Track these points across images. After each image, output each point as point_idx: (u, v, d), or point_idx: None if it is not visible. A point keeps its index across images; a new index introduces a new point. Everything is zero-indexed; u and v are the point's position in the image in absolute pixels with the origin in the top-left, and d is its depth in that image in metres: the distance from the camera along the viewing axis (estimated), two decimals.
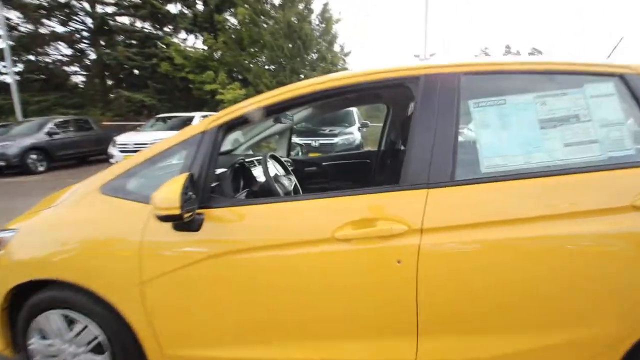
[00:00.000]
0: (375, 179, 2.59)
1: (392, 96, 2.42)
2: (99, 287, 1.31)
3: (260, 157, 2.04)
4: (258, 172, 1.96)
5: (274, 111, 1.36)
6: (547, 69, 1.23)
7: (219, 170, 1.63)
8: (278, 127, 2.68)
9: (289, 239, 1.19)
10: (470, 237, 1.09)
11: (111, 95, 15.99)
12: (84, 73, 16.81)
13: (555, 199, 1.10)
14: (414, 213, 1.12)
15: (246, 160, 1.98)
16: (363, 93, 1.49)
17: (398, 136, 2.56)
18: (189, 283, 1.25)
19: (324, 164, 2.77)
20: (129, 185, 1.37)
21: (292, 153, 3.20)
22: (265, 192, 1.60)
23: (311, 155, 6.28)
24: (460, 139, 1.18)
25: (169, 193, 1.08)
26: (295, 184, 1.96)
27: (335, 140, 6.88)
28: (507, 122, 1.19)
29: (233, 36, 13.11)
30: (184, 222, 1.14)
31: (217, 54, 13.36)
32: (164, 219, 1.10)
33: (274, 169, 2.03)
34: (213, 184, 1.50)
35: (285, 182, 1.72)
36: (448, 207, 1.12)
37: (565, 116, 1.18)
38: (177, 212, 1.07)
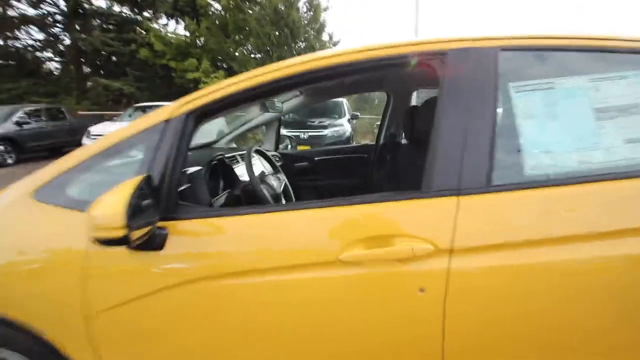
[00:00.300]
0: (373, 176, 2.33)
1: (395, 82, 2.15)
2: (34, 320, 1.02)
3: (244, 152, 1.74)
4: (242, 170, 1.67)
5: (262, 94, 1.08)
6: (606, 45, 0.98)
7: (191, 169, 1.33)
8: (266, 116, 2.39)
9: (281, 262, 0.91)
10: (516, 260, 0.84)
11: (88, 83, 15.15)
12: (59, 59, 15.86)
13: (623, 210, 0.86)
14: (441, 228, 0.87)
15: (226, 155, 1.68)
16: (366, 75, 1.20)
17: (399, 128, 2.30)
18: (148, 318, 0.97)
19: (316, 159, 2.50)
20: (70, 190, 1.06)
21: (281, 146, 2.91)
22: (249, 196, 1.32)
23: (300, 148, 5.98)
24: (497, 131, 0.92)
25: (110, 206, 0.78)
26: (286, 183, 1.68)
27: (325, 132, 6.60)
28: (557, 111, 0.94)
29: (217, 22, 12.52)
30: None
31: (200, 41, 12.77)
32: (104, 242, 0.81)
33: (261, 165, 1.74)
34: (182, 187, 1.21)
35: (274, 182, 1.45)
36: (486, 219, 0.87)
37: (627, 105, 0.94)
38: (120, 233, 0.78)
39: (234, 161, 1.78)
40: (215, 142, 2.30)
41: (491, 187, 0.89)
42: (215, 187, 1.43)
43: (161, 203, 0.95)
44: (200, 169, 1.33)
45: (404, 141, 2.30)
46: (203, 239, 0.97)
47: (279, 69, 1.04)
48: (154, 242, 0.93)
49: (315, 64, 1.03)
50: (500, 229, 0.86)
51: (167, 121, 1.01)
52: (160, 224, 0.94)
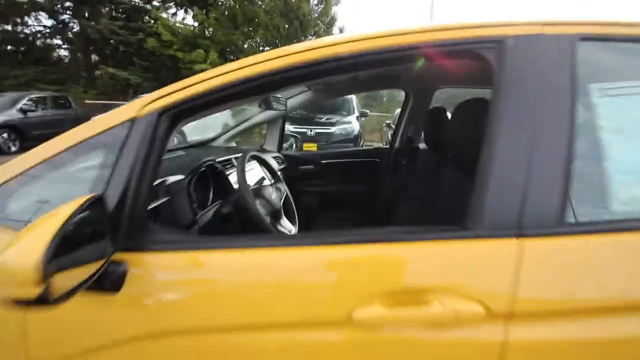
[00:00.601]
0: (386, 183, 2.08)
1: (416, 78, 1.89)
2: None
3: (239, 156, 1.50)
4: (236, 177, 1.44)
5: (261, 87, 0.84)
6: None
7: (172, 178, 1.10)
8: (270, 112, 2.15)
9: (275, 319, 0.68)
10: (607, 331, 0.60)
11: (96, 72, 15.05)
12: (67, 47, 15.79)
13: None
14: (496, 282, 0.63)
15: (218, 160, 1.44)
16: (392, 67, 0.95)
17: (419, 132, 2.05)
18: None
19: (322, 162, 2.25)
20: (12, 204, 0.84)
21: (285, 145, 2.67)
22: (242, 212, 1.09)
23: (306, 146, 5.73)
24: (575, 150, 0.67)
25: (21, 252, 0.55)
26: (287, 195, 1.44)
27: (333, 129, 6.33)
28: None
29: (226, 13, 12.27)
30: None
31: (208, 32, 12.54)
32: (17, 302, 0.57)
33: (260, 172, 1.51)
34: (158, 202, 0.99)
35: (272, 195, 1.21)
36: (561, 272, 0.63)
37: None
38: (30, 292, 0.53)
39: (228, 165, 1.55)
40: (212, 140, 2.07)
41: (566, 227, 0.64)
42: (204, 200, 1.20)
43: (121, 229, 0.72)
44: (182, 180, 1.10)
45: (422, 146, 2.05)
46: (174, 279, 0.74)
47: (283, 56, 0.80)
48: (108, 282, 0.70)
49: (331, 51, 0.79)
50: (582, 287, 0.62)
51: (132, 121, 0.78)
52: (119, 256, 0.72)
